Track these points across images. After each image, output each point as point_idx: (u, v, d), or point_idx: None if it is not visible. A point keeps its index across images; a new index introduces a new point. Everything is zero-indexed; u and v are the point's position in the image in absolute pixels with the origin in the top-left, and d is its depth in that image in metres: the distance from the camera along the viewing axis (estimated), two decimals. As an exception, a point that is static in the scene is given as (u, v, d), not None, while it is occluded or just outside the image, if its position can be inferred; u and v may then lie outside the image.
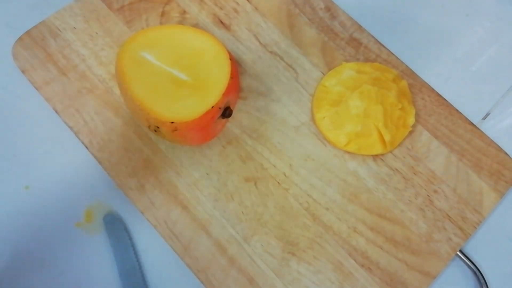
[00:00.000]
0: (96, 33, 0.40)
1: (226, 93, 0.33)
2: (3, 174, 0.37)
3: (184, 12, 0.41)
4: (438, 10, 0.44)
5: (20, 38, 0.39)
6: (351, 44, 0.41)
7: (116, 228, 0.36)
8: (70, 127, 0.37)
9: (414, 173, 0.37)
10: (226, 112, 0.35)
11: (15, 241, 0.36)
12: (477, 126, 0.39)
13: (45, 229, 0.36)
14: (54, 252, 0.35)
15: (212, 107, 0.32)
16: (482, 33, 0.44)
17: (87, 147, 0.36)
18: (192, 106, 0.32)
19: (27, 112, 0.39)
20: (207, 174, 0.36)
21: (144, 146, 0.37)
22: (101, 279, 0.35)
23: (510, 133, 0.40)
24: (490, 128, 0.40)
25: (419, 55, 0.42)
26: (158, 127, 0.33)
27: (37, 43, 0.39)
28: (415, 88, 0.40)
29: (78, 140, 0.37)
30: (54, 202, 0.37)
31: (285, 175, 0.36)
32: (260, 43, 0.41)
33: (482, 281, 0.35)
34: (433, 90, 0.40)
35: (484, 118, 0.41)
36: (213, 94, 0.33)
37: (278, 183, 0.36)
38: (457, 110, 0.39)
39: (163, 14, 0.41)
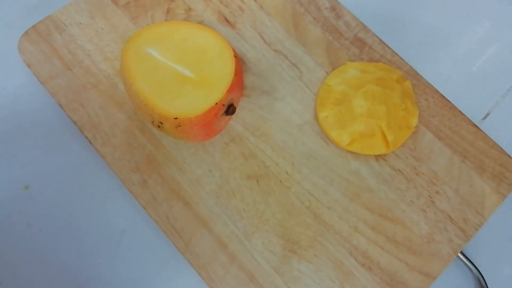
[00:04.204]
0: (102, 28, 0.40)
1: (230, 90, 0.33)
2: (3, 174, 0.37)
3: (190, 9, 0.41)
4: (437, 10, 0.44)
5: (26, 33, 0.39)
6: (356, 44, 0.41)
7: None
8: (74, 122, 0.37)
9: (416, 174, 0.37)
10: (230, 109, 0.35)
11: (15, 241, 0.35)
12: (477, 126, 0.38)
13: (46, 230, 0.36)
14: (54, 252, 0.35)
15: (216, 103, 0.33)
16: (482, 33, 0.44)
17: (90, 142, 0.37)
18: (196, 103, 0.33)
19: (27, 112, 0.39)
20: (210, 170, 0.36)
21: (147, 142, 0.37)
22: (101, 278, 0.35)
23: (510, 133, 0.40)
24: (490, 128, 0.39)
25: (419, 55, 0.42)
26: (161, 123, 0.33)
27: (42, 38, 0.39)
28: (418, 89, 0.40)
29: (79, 140, 0.37)
30: (54, 202, 0.37)
31: (287, 173, 0.36)
32: (265, 41, 0.41)
33: (483, 282, 0.35)
34: (436, 91, 0.39)
35: (484, 118, 0.40)
36: (217, 91, 0.33)
37: (280, 181, 0.36)
38: (460, 111, 0.39)
39: (168, 11, 0.41)
